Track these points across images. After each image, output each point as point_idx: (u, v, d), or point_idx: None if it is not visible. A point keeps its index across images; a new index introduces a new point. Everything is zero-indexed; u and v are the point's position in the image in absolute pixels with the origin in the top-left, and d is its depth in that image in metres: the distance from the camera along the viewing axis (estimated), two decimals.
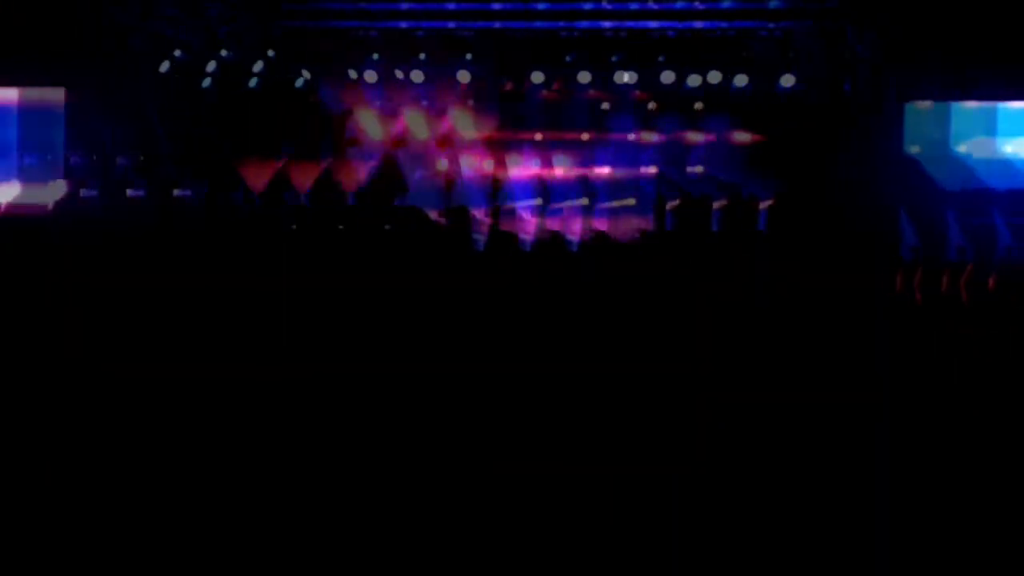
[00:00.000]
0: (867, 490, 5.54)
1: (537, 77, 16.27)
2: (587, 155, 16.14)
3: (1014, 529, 5.44)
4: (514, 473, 5.45)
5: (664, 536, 5.63)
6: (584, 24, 16.25)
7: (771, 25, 15.90)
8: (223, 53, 15.59)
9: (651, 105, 16.29)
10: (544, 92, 16.41)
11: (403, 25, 16.06)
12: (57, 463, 5.02)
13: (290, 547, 5.14)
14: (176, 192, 15.14)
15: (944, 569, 5.49)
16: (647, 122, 16.23)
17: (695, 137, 16.13)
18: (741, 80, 16.02)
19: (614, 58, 16.24)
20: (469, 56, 16.35)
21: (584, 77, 16.29)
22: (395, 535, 5.30)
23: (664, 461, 5.64)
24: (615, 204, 15.64)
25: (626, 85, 16.25)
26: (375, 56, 16.21)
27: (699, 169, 15.80)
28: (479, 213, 14.51)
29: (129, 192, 13.94)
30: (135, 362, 4.96)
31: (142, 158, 14.87)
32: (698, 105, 16.25)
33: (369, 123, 16.12)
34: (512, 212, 14.70)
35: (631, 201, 15.64)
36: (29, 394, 5.07)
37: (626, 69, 16.30)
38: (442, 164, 15.76)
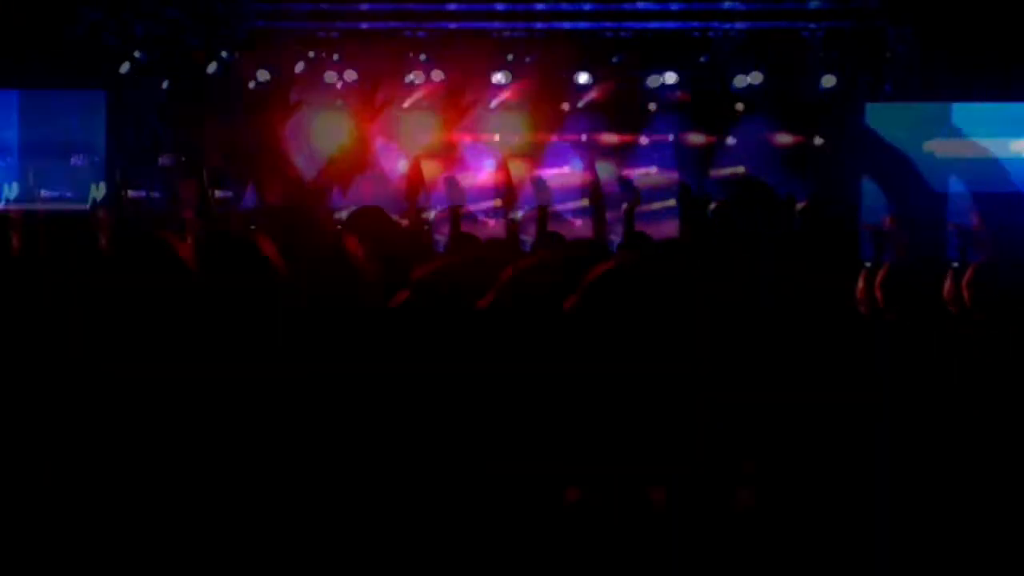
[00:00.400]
0: (867, 490, 5.53)
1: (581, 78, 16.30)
2: (625, 157, 16.14)
3: (1014, 529, 5.42)
4: (512, 473, 5.48)
5: (664, 536, 5.65)
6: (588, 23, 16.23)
7: (812, 25, 15.84)
8: (223, 55, 15.70)
9: (651, 106, 16.26)
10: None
11: (364, 26, 16.09)
12: (57, 463, 5.09)
13: (286, 547, 5.19)
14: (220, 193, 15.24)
15: (944, 569, 5.48)
16: (657, 123, 16.19)
17: (699, 138, 16.05)
18: (777, 80, 15.96)
19: (614, 59, 16.22)
20: (510, 57, 16.38)
21: (582, 78, 16.27)
22: (392, 535, 5.35)
23: (664, 461, 5.65)
24: (656, 206, 15.63)
25: (666, 86, 16.25)
26: (335, 57, 16.22)
27: (740, 170, 15.75)
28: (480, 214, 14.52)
29: (131, 193, 14.05)
30: (135, 362, 5.02)
31: (183, 159, 15.01)
32: (739, 106, 16.21)
33: (332, 126, 16.15)
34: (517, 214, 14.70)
35: (673, 202, 15.62)
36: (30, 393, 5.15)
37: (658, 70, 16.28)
38: (403, 165, 15.78)
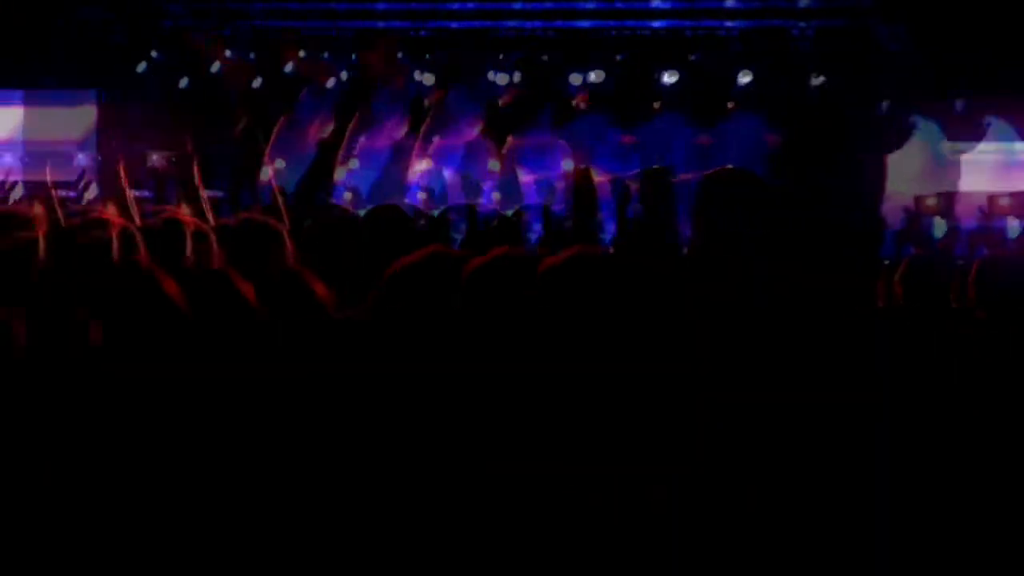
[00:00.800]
0: (867, 490, 5.50)
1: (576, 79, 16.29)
2: (623, 159, 16.13)
3: (1014, 529, 5.40)
4: (512, 473, 5.44)
5: (664, 536, 5.62)
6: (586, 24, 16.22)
7: (802, 24, 15.85)
8: (227, 54, 15.70)
9: (655, 104, 16.25)
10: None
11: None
12: (57, 463, 5.05)
13: (286, 548, 5.16)
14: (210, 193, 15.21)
15: (944, 570, 5.45)
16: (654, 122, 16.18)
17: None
18: (749, 77, 15.93)
19: (618, 56, 16.20)
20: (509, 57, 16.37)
21: (576, 78, 16.24)
22: (392, 536, 5.31)
23: (664, 461, 5.62)
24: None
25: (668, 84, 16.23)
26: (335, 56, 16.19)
27: (726, 168, 15.73)
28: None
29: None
30: (135, 362, 4.97)
31: (174, 159, 14.99)
32: (730, 104, 16.21)
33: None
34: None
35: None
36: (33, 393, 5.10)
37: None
38: (422, 164, 15.77)
